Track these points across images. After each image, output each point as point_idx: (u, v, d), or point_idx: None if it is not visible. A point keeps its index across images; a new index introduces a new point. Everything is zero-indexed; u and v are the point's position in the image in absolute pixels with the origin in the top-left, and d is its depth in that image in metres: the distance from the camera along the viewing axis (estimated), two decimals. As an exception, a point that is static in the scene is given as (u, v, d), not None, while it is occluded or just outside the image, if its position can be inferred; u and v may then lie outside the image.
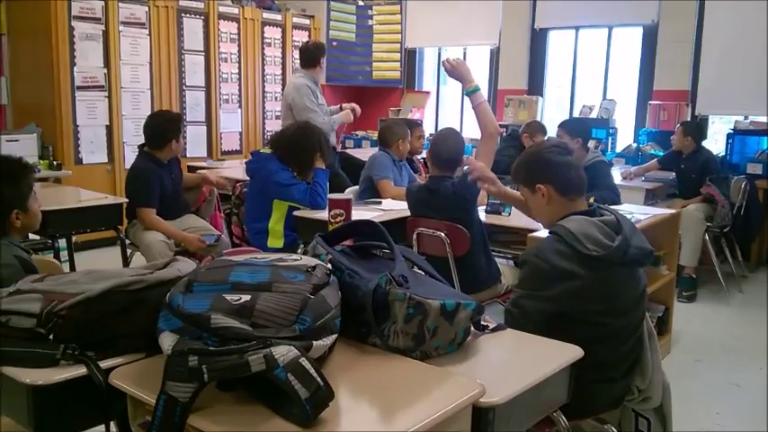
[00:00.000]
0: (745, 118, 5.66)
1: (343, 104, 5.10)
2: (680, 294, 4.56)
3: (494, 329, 1.62)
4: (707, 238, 4.71)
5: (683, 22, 5.87)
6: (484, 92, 7.25)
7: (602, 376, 1.88)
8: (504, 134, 6.26)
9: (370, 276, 1.46)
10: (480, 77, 7.36)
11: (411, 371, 1.34)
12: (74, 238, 4.19)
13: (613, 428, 2.02)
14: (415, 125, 4.92)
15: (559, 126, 4.41)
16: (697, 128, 5.16)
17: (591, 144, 4.89)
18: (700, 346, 3.84)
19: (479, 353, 1.52)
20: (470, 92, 3.07)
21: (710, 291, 4.79)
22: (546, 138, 5.17)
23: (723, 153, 5.56)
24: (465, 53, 7.50)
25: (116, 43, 5.72)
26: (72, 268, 4.00)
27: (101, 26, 5.62)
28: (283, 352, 1.11)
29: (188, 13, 6.25)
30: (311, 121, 4.39)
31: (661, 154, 5.52)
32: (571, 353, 1.51)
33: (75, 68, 5.49)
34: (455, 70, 3.12)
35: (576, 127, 4.40)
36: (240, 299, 1.21)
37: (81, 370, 1.27)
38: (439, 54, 7.80)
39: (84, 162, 5.64)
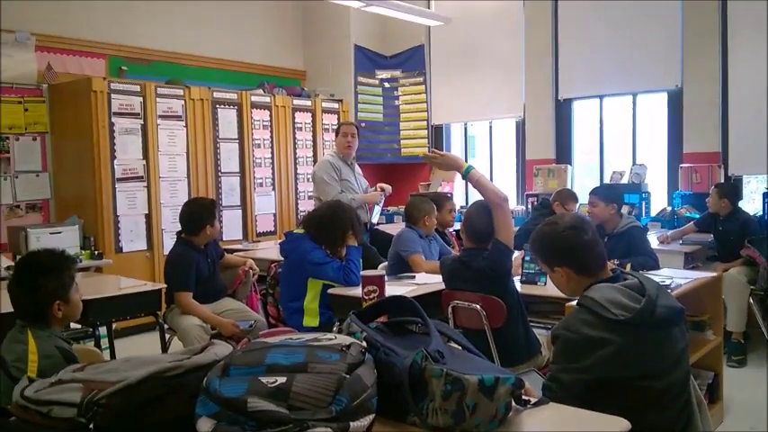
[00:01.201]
0: (781, 176, 5.58)
1: (378, 184, 5.19)
2: (729, 360, 4.39)
3: (535, 404, 1.57)
4: (752, 301, 4.56)
5: (708, 84, 5.88)
6: (512, 162, 7.32)
7: None
8: (536, 203, 6.27)
9: (405, 353, 1.44)
10: (507, 149, 7.44)
11: (452, 450, 1.31)
12: (114, 325, 4.24)
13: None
14: (446, 199, 4.95)
15: (591, 193, 4.40)
16: (732, 189, 5.10)
17: (625, 210, 4.86)
18: (754, 413, 3.65)
19: (521, 428, 1.47)
20: (466, 173, 3.14)
21: (761, 354, 4.59)
22: (578, 205, 5.16)
23: (760, 212, 5.45)
24: (491, 126, 7.61)
25: (154, 136, 5.94)
26: (112, 355, 4.03)
27: (139, 120, 5.86)
28: (320, 434, 1.10)
29: (222, 104, 6.50)
30: (326, 194, 4.50)
31: (697, 216, 5.43)
32: (617, 425, 1.46)
33: (115, 161, 5.70)
34: (443, 166, 3.25)
35: (610, 193, 4.38)
36: (276, 381, 1.21)
37: (120, 459, 1.27)
38: (465, 129, 7.93)
39: (124, 250, 5.77)
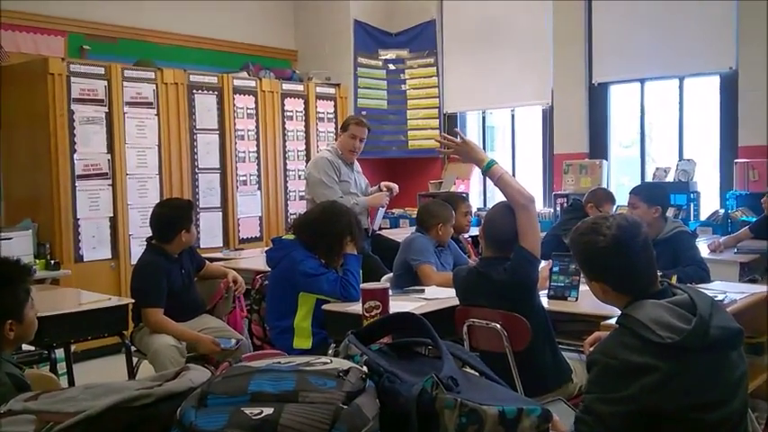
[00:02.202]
0: None
1: (382, 184, 5.16)
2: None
3: (565, 439, 1.57)
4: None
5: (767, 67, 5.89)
6: (538, 157, 7.33)
7: None
8: (565, 205, 6.27)
9: (413, 380, 1.44)
10: (532, 141, 7.45)
11: (467, 493, 1.30)
12: (73, 347, 4.24)
13: None
14: (460, 200, 4.96)
15: (632, 193, 4.39)
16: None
17: (670, 212, 4.85)
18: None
19: (549, 469, 1.47)
20: (487, 168, 3.13)
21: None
22: (615, 207, 5.14)
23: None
24: (513, 115, 7.62)
25: (121, 126, 5.95)
26: (71, 382, 4.03)
27: (104, 108, 5.87)
28: (313, 475, 1.10)
29: (200, 89, 6.51)
30: (323, 198, 4.47)
31: (753, 220, 5.43)
32: (661, 465, 1.46)
33: (75, 155, 5.71)
34: (461, 153, 3.19)
35: (653, 193, 4.37)
36: (261, 412, 1.21)
37: (79, 503, 1.27)
38: (483, 118, 7.93)
39: (84, 259, 5.78)
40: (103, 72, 5.88)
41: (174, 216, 3.99)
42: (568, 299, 3.45)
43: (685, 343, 1.80)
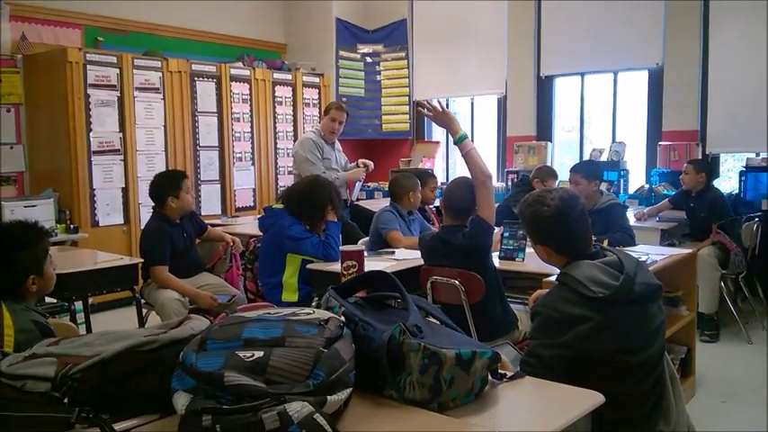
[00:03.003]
0: (757, 155, 5.65)
1: (360, 161, 5.14)
2: (702, 335, 4.47)
3: (512, 377, 1.59)
4: (723, 284, 4.64)
5: (688, 63, 5.92)
6: (493, 139, 7.32)
7: (626, 417, 1.86)
8: (516, 180, 6.30)
9: (383, 327, 1.44)
10: (489, 125, 7.44)
11: (429, 423, 1.32)
12: (90, 300, 4.21)
13: (641, 476, 1.96)
14: (429, 176, 4.94)
15: (573, 171, 4.41)
16: (708, 164, 5.14)
17: (603, 186, 4.89)
18: (725, 386, 3.74)
19: (498, 402, 1.48)
20: (459, 140, 3.11)
21: (733, 330, 4.69)
22: (557, 182, 5.17)
23: (736, 191, 5.53)
24: (473, 103, 7.60)
25: (131, 108, 5.86)
26: (88, 330, 4.01)
27: (116, 92, 5.76)
28: (297, 408, 1.10)
29: (201, 77, 6.40)
30: (308, 173, 4.44)
31: (673, 193, 5.49)
32: (592, 399, 1.48)
33: (91, 134, 5.61)
34: (438, 119, 3.16)
35: (591, 170, 4.41)
36: (253, 355, 1.21)
37: (96, 433, 1.26)
38: (447, 104, 7.89)
39: (100, 224, 5.71)
40: (116, 61, 5.76)
41: (160, 185, 3.93)
42: (516, 259, 3.48)
43: (614, 297, 1.82)
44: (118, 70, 5.76)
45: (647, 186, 6.09)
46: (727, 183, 5.99)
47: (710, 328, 4.58)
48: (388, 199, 4.46)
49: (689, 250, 3.70)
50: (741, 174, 5.53)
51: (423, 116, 7.83)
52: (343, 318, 1.46)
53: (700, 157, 5.78)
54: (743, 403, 3.52)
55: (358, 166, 5.08)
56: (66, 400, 1.29)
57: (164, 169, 5.93)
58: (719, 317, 4.67)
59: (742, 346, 4.47)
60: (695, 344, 3.70)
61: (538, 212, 2.05)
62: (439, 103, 3.23)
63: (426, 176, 4.81)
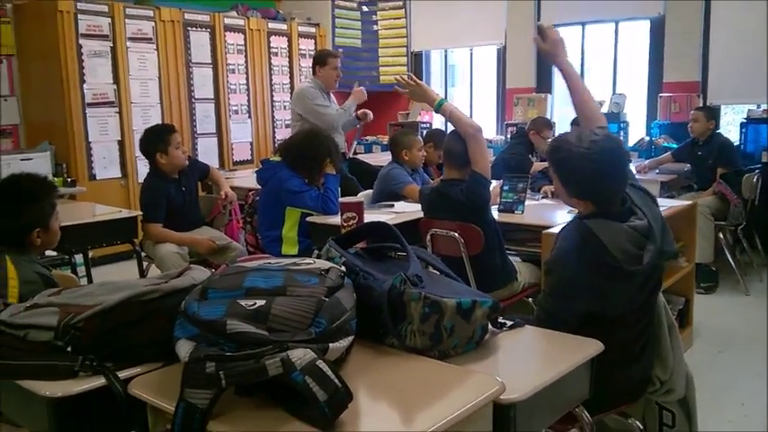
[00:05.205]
0: (758, 107, 5.61)
1: (359, 111, 5.08)
2: (699, 286, 4.51)
3: (512, 326, 1.60)
4: (721, 236, 4.66)
5: (690, 13, 5.83)
6: (493, 91, 7.22)
7: (619, 358, 1.84)
8: (514, 132, 6.25)
9: (384, 277, 1.45)
10: (488, 77, 7.35)
11: (429, 370, 1.34)
12: (90, 253, 4.21)
13: (637, 422, 1.99)
14: (438, 141, 4.80)
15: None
16: (715, 112, 5.10)
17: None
18: (722, 337, 3.79)
19: (498, 350, 1.50)
20: (437, 107, 3.10)
21: (731, 282, 4.72)
22: (552, 133, 5.11)
23: (737, 143, 5.50)
24: (471, 54, 7.49)
25: (124, 59, 5.77)
26: (90, 283, 4.01)
27: (108, 43, 5.66)
28: (300, 355, 1.11)
29: (194, 27, 6.28)
30: (325, 117, 4.45)
31: (674, 146, 5.46)
32: (591, 347, 1.50)
33: (84, 86, 5.53)
34: (413, 93, 3.16)
35: None
36: (255, 304, 1.21)
37: (100, 381, 1.27)
38: (446, 56, 7.79)
39: (97, 178, 5.68)
40: (107, 10, 5.65)
41: (147, 141, 3.85)
42: (515, 212, 3.49)
43: (639, 271, 1.81)
44: (109, 20, 5.65)
45: (647, 138, 6.06)
46: (728, 135, 5.94)
47: (708, 280, 4.62)
48: (387, 152, 4.40)
49: (689, 202, 3.71)
50: (742, 125, 5.50)
51: (420, 67, 7.81)
52: (344, 268, 1.47)
53: (701, 108, 5.73)
54: (739, 353, 3.57)
55: (357, 117, 5.05)
56: (69, 349, 1.31)
57: (159, 122, 5.87)
58: (718, 268, 4.70)
59: (740, 297, 4.51)
60: (693, 295, 3.73)
61: (573, 152, 1.87)
62: (409, 75, 3.21)
63: (436, 141, 4.44)
